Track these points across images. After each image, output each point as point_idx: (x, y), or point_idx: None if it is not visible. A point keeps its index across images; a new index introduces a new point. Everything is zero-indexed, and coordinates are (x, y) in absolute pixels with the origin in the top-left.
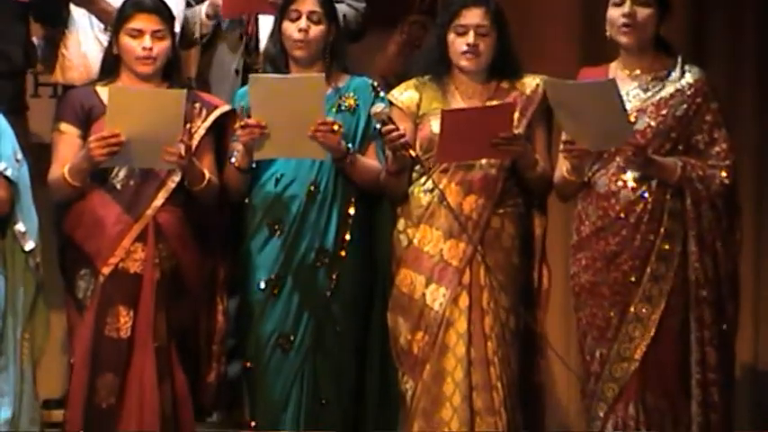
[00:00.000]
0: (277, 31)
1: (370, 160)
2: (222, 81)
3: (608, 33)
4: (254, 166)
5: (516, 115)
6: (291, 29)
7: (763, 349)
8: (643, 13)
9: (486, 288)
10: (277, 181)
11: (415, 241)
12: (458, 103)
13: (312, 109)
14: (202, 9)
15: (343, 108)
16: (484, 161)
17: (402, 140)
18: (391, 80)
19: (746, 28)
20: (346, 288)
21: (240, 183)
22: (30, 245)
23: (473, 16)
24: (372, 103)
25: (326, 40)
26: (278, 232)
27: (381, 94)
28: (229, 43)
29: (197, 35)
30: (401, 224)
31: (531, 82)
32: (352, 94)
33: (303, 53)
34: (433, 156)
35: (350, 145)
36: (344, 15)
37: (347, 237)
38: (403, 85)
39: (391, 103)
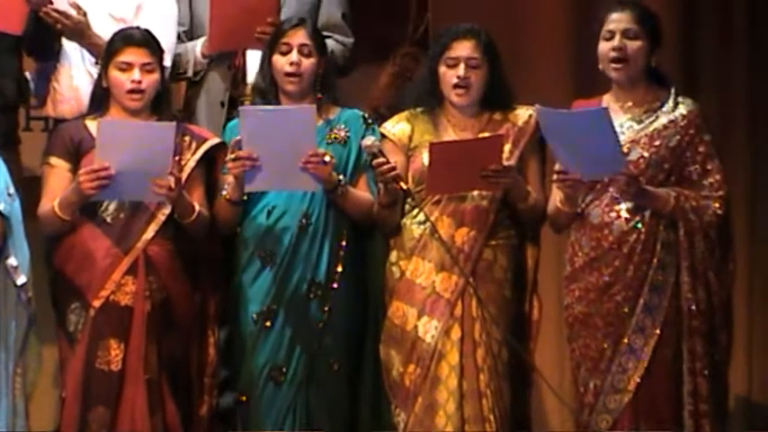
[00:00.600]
0: (267, 65)
1: (362, 192)
2: (210, 113)
3: (600, 67)
4: (245, 198)
5: (509, 146)
6: (282, 62)
7: (756, 380)
8: (633, 46)
9: (478, 320)
10: (269, 213)
11: (408, 273)
12: (450, 135)
13: (303, 140)
14: (196, 47)
15: (334, 140)
16: (476, 193)
17: (393, 173)
18: (383, 111)
19: (737, 59)
20: (339, 320)
21: (232, 215)
22: (21, 279)
23: (463, 48)
24: (363, 135)
25: (317, 73)
26: (270, 264)
27: (373, 125)
28: (217, 75)
29: (190, 73)
30: (393, 256)
31: (523, 113)
32: (343, 126)
33: (294, 87)
34: (424, 188)
35: (341, 177)
36: (332, 51)
37: (339, 268)
38: (395, 118)
39: (383, 136)
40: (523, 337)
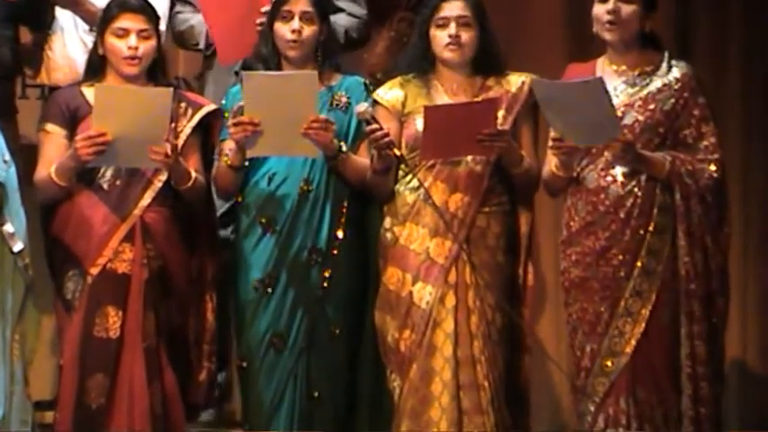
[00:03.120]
0: (268, 32)
1: (363, 158)
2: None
3: (594, 29)
4: (246, 164)
5: (502, 112)
6: (284, 29)
7: (750, 343)
8: (627, 9)
9: (472, 287)
10: (270, 179)
11: (402, 239)
12: (443, 99)
13: (305, 106)
14: None
15: (335, 106)
16: (469, 158)
17: (386, 140)
18: (380, 77)
19: (732, 23)
20: (339, 286)
21: (233, 181)
22: (18, 246)
23: (453, 8)
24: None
25: (318, 40)
26: (271, 231)
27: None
28: None
29: (202, 45)
30: (387, 222)
31: (516, 79)
32: (344, 93)
33: (296, 53)
34: (418, 154)
35: (342, 143)
36: (347, 30)
37: (340, 235)
38: (388, 84)
39: (376, 102)
40: (518, 303)
